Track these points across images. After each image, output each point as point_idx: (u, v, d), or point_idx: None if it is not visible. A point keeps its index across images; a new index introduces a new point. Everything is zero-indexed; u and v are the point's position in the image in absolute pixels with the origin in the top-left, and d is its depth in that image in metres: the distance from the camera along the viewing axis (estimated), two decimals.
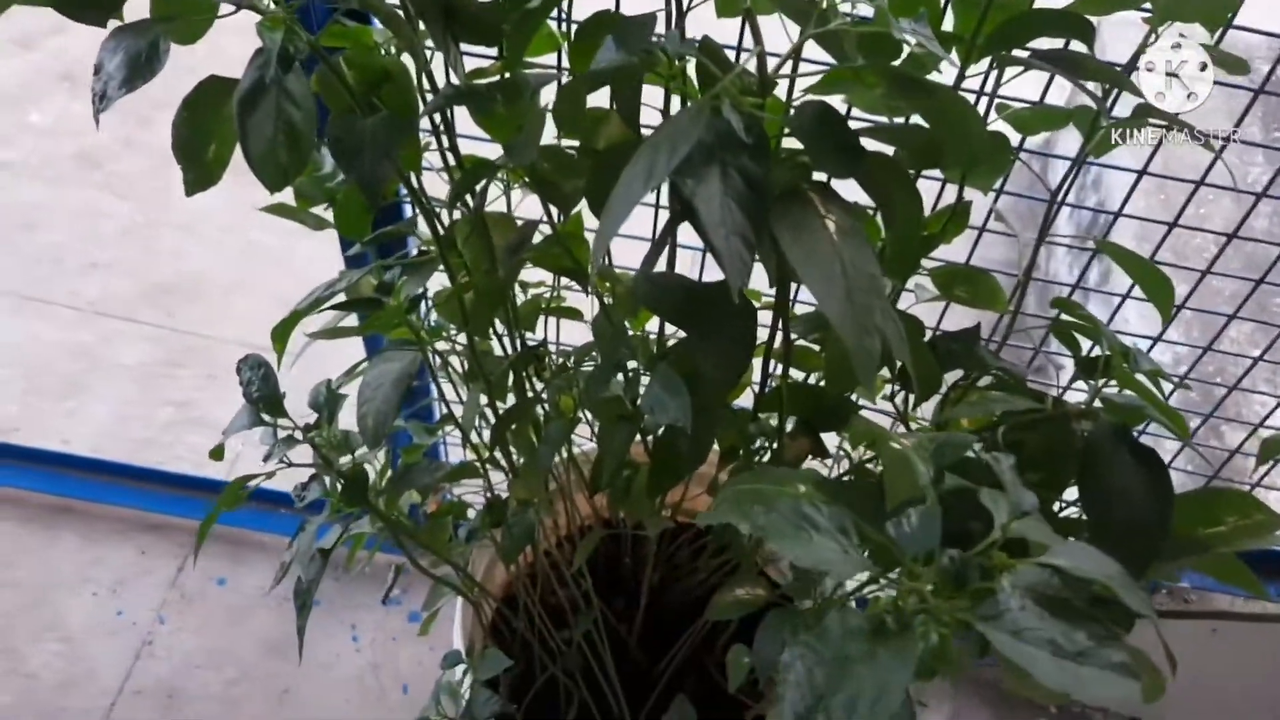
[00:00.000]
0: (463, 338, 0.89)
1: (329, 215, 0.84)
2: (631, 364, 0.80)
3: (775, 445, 0.81)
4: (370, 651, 1.45)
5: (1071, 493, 0.70)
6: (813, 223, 0.50)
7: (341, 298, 0.79)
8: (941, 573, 0.46)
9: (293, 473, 0.80)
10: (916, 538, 0.49)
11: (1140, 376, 0.69)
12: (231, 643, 1.44)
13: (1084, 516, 0.60)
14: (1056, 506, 0.72)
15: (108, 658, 1.42)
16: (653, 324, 0.94)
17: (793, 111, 0.52)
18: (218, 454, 0.67)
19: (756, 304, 0.83)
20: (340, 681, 1.42)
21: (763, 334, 0.82)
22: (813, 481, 0.56)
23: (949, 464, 0.54)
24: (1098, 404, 0.67)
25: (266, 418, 0.66)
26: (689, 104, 0.48)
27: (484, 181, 0.71)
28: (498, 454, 0.93)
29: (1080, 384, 0.76)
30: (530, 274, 0.94)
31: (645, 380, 0.76)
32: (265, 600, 1.49)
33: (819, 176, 0.58)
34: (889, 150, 0.66)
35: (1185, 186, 0.90)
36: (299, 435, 0.66)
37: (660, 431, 0.79)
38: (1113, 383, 0.65)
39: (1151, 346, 1.02)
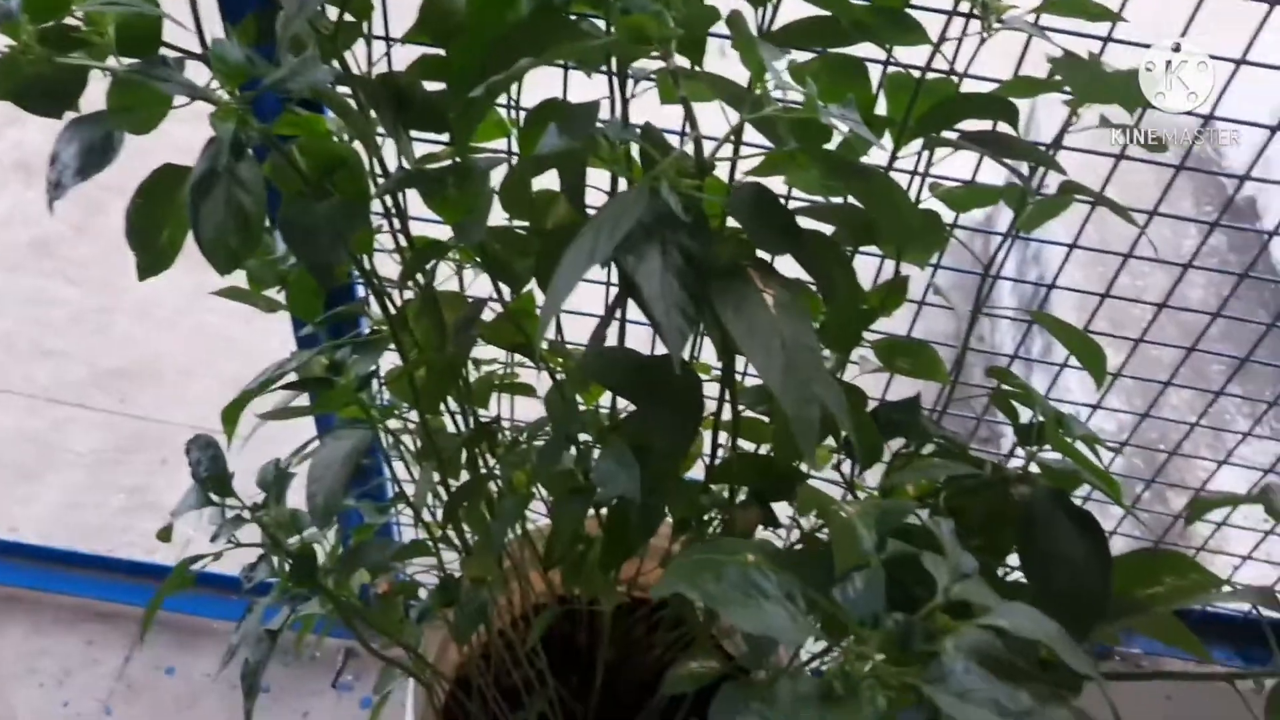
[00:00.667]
0: (415, 415, 0.90)
1: (281, 297, 0.85)
2: (584, 437, 0.81)
3: (727, 516, 0.82)
4: None
5: (1015, 557, 0.71)
6: (752, 298, 0.52)
7: (293, 378, 0.80)
8: (887, 636, 0.47)
9: (244, 556, 0.79)
10: (861, 602, 0.50)
11: (1077, 443, 0.71)
12: None
13: (1026, 580, 0.62)
14: (1001, 572, 0.73)
15: None
16: (606, 399, 0.95)
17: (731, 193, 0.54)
18: (165, 535, 0.67)
19: (706, 377, 0.85)
20: None
21: (712, 406, 0.83)
22: (762, 551, 0.57)
23: (892, 530, 0.55)
24: (1035, 469, 0.69)
25: (215, 498, 0.66)
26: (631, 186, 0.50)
27: (434, 261, 0.72)
28: (451, 532, 0.93)
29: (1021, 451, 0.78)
30: (484, 351, 0.95)
31: (597, 453, 0.77)
32: (214, 687, 1.45)
33: (760, 254, 0.61)
34: (827, 228, 0.69)
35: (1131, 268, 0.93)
36: (247, 515, 0.66)
37: (612, 504, 0.79)
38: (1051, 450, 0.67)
39: (1091, 414, 1.05)
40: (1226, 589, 0.58)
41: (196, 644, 1.49)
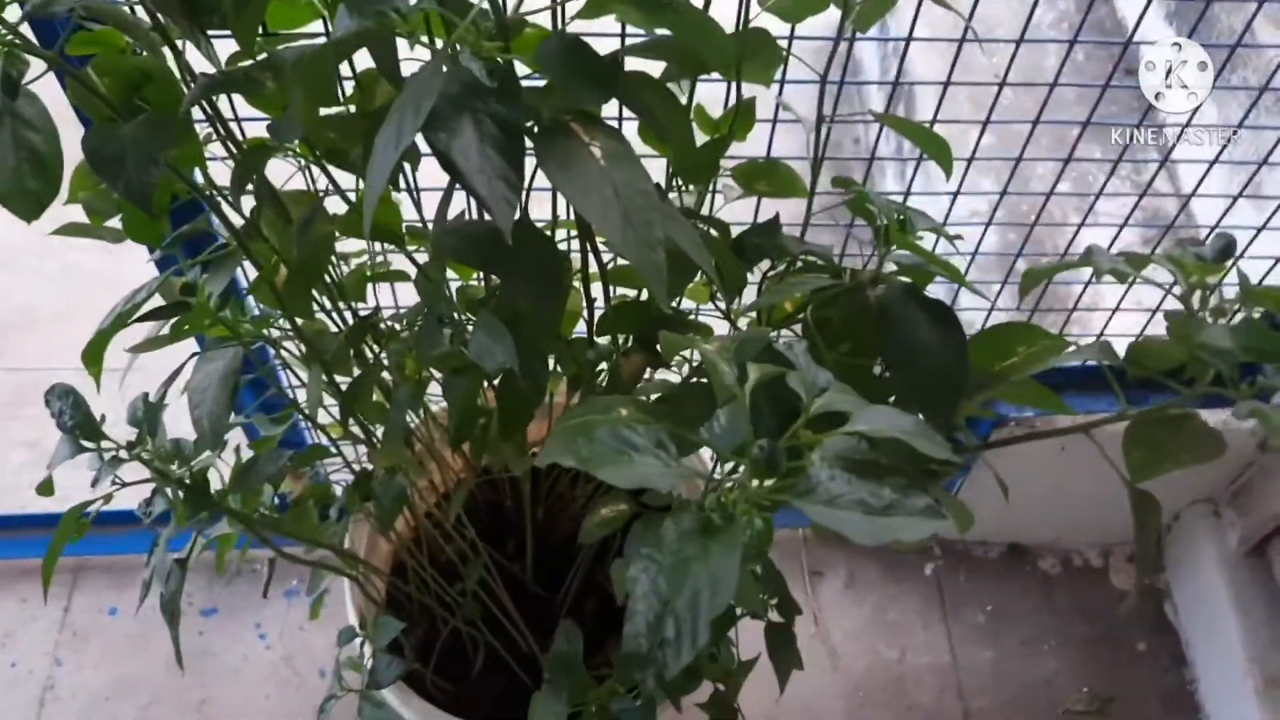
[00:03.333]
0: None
1: None
2: (462, 314, 0.81)
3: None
4: (280, 646, 1.44)
5: None
6: (579, 152, 0.51)
7: (159, 302, 0.78)
8: (754, 463, 0.49)
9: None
10: (727, 436, 0.52)
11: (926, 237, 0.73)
12: (137, 668, 1.42)
13: (889, 374, 0.64)
14: (878, 371, 0.77)
15: (11, 712, 1.38)
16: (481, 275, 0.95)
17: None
18: (46, 489, 0.66)
19: (571, 232, 0.85)
20: (256, 681, 1.41)
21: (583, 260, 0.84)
22: (634, 403, 0.58)
23: (752, 359, 0.56)
24: (893, 267, 0.71)
25: (87, 443, 0.65)
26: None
27: (264, 164, 0.70)
28: (355, 428, 0.94)
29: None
30: (354, 245, 0.93)
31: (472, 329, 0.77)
32: (162, 619, 1.46)
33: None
34: (659, 66, 0.68)
35: (988, 48, 0.93)
36: (124, 454, 0.66)
37: (500, 375, 0.80)
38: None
39: (954, 199, 1.07)
40: (1071, 349, 0.61)
41: (134, 581, 1.50)
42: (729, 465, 0.56)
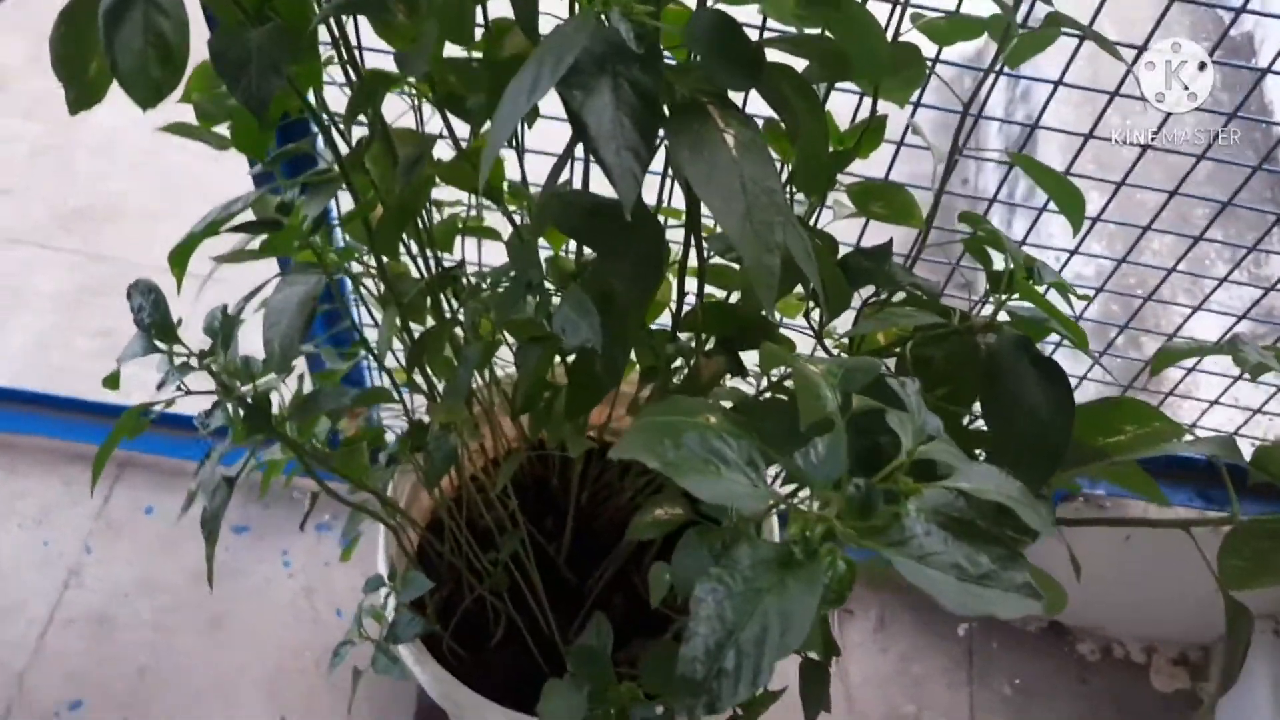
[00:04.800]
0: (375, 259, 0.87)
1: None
2: (549, 284, 0.79)
3: (692, 365, 0.81)
4: (303, 576, 1.44)
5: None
6: (711, 137, 0.49)
7: (246, 217, 0.77)
8: (848, 500, 0.46)
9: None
10: (824, 466, 0.49)
11: (1049, 290, 0.69)
12: (162, 571, 1.43)
13: (987, 429, 0.61)
14: (967, 420, 0.73)
15: (35, 588, 1.40)
16: (574, 244, 0.93)
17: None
18: (112, 383, 0.66)
19: (675, 222, 0.83)
20: (273, 607, 1.41)
21: (681, 251, 0.81)
22: (722, 411, 0.55)
23: (858, 389, 0.53)
24: (1005, 317, 0.67)
25: (160, 344, 0.64)
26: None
27: (383, 96, 0.68)
28: (418, 378, 0.92)
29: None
30: (450, 193, 0.92)
31: (558, 301, 0.75)
32: (196, 528, 1.46)
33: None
34: (798, 63, 0.65)
35: (1116, 100, 0.89)
36: (194, 362, 0.65)
37: (577, 353, 0.78)
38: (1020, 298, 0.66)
39: (1068, 258, 1.03)
40: (1188, 438, 0.57)
41: (176, 484, 1.51)
42: (803, 492, 0.53)
